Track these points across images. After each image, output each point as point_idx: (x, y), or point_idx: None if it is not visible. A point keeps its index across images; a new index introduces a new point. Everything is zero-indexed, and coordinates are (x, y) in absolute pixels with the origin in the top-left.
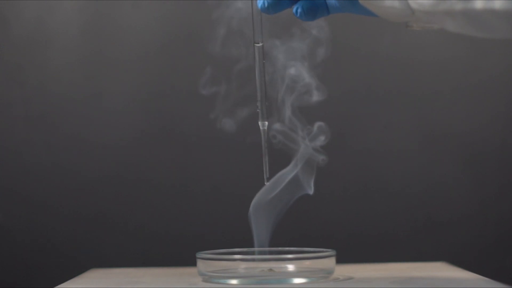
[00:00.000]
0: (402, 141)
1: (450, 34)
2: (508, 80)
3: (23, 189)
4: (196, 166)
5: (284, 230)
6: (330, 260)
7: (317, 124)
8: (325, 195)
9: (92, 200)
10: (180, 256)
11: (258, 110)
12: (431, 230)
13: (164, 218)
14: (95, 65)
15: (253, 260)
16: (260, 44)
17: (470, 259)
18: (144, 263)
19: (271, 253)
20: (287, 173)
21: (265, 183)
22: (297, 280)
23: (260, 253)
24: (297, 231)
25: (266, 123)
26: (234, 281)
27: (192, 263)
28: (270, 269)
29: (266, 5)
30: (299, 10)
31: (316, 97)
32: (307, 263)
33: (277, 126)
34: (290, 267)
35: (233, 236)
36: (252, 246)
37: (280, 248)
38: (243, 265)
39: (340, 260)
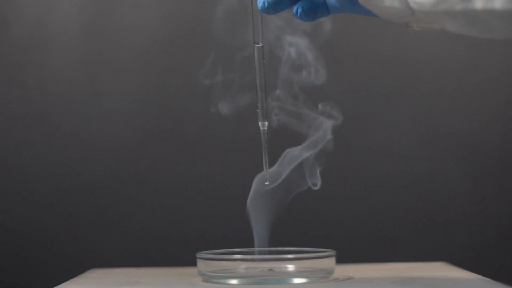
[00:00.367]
0: (402, 141)
1: (450, 34)
2: (508, 80)
3: (23, 189)
4: (196, 166)
5: (284, 229)
6: (330, 260)
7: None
8: (325, 195)
9: (92, 200)
10: (180, 256)
11: (258, 111)
12: (431, 230)
13: (164, 218)
14: (95, 65)
15: (253, 260)
16: (260, 45)
17: (470, 259)
18: (144, 263)
19: (271, 253)
20: (296, 155)
21: (265, 183)
22: (297, 280)
23: (260, 253)
24: (297, 230)
25: (266, 123)
26: (234, 281)
27: (192, 263)
28: (270, 269)
29: (266, 5)
30: (299, 10)
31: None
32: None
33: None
34: (290, 267)
35: (233, 236)
36: (252, 246)
37: (280, 248)
38: (243, 265)
39: (340, 260)
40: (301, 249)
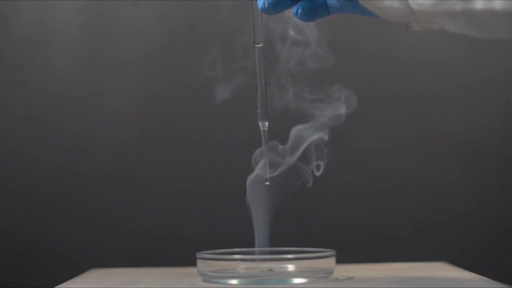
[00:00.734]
0: (402, 141)
1: (450, 34)
2: (508, 80)
3: (23, 189)
4: (196, 166)
5: (284, 229)
6: (330, 260)
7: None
8: (325, 195)
9: (92, 200)
10: (180, 256)
11: (258, 111)
12: (431, 230)
13: (164, 218)
14: (95, 65)
15: (253, 260)
16: (261, 45)
17: (470, 259)
18: (144, 263)
19: (271, 253)
20: (305, 134)
21: (266, 183)
22: (297, 280)
23: (260, 253)
24: (297, 230)
25: (267, 123)
26: (234, 281)
27: (192, 263)
28: (270, 269)
29: (266, 5)
30: (299, 11)
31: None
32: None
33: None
34: (290, 267)
35: (233, 236)
36: (253, 246)
37: (280, 248)
38: (243, 265)
39: (340, 260)
40: (301, 249)
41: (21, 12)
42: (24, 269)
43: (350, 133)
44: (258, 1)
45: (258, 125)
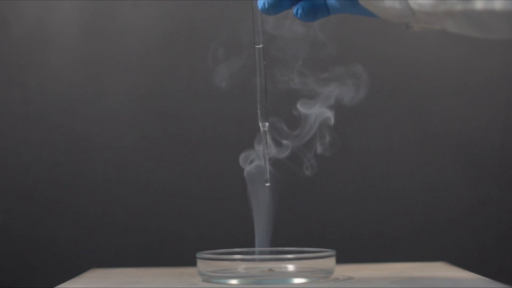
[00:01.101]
0: (402, 141)
1: (450, 34)
2: (508, 80)
3: (23, 189)
4: (196, 166)
5: (284, 230)
6: (330, 260)
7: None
8: (325, 195)
9: (92, 200)
10: (180, 256)
11: (258, 111)
12: (431, 230)
13: (164, 218)
14: (95, 65)
15: (253, 260)
16: (261, 46)
17: (470, 259)
18: (144, 263)
19: (271, 253)
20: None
21: (266, 184)
22: (297, 280)
23: (260, 253)
24: (297, 231)
25: (267, 124)
26: (234, 281)
27: (192, 263)
28: (270, 269)
29: (266, 5)
30: (299, 11)
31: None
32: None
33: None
34: (290, 267)
35: (233, 236)
36: (253, 246)
37: (280, 248)
38: (243, 265)
39: (340, 260)
40: (301, 249)
41: (21, 12)
42: (24, 269)
43: (349, 133)
44: (258, 2)
45: (259, 125)
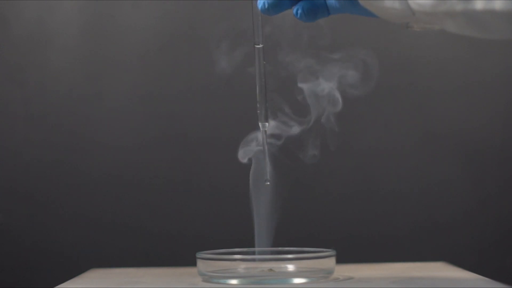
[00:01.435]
0: (402, 141)
1: (450, 34)
2: (508, 80)
3: (23, 189)
4: (197, 165)
5: (284, 230)
6: (330, 260)
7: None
8: (325, 195)
9: (92, 200)
10: (180, 256)
11: (258, 112)
12: (431, 230)
13: (164, 218)
14: (95, 65)
15: (253, 260)
16: (260, 46)
17: (470, 259)
18: (144, 263)
19: (271, 253)
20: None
21: (266, 184)
22: (297, 280)
23: (260, 253)
24: (297, 231)
25: (267, 124)
26: (234, 281)
27: (192, 263)
28: (270, 269)
29: (266, 6)
30: (299, 11)
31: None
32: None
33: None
34: (290, 267)
35: (233, 236)
36: (253, 246)
37: (280, 248)
38: (243, 265)
39: (340, 260)
40: (301, 249)
41: (21, 12)
42: (24, 269)
43: (349, 133)
44: (258, 2)
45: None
